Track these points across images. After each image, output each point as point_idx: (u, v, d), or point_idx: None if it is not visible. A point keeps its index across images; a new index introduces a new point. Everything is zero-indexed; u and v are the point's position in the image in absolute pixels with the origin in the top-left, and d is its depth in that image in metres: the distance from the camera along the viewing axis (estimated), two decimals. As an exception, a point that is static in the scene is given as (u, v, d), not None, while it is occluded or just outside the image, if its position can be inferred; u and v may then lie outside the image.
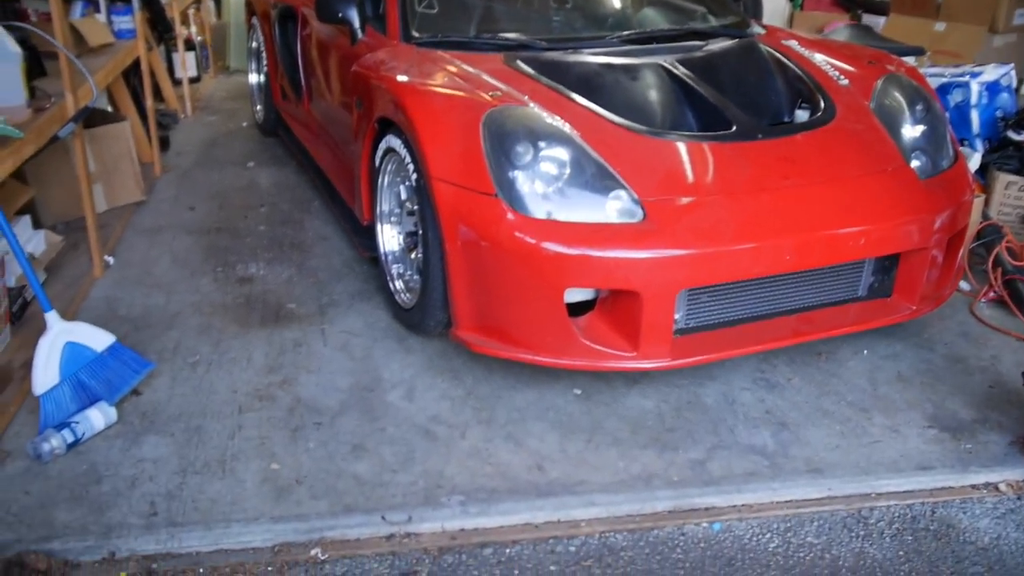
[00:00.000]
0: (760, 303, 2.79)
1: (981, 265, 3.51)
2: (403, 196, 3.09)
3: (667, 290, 2.54)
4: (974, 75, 4.06)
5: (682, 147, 2.80)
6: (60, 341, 2.56)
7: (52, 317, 2.60)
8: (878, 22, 6.30)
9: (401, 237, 3.18)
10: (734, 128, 2.89)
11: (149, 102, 4.81)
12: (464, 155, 2.67)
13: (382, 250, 3.25)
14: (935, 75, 4.15)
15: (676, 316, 2.65)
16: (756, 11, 4.13)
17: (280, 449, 2.46)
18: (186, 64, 6.22)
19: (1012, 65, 4.29)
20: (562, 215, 2.56)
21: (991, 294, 3.39)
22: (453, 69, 3.07)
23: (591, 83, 3.05)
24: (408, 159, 2.88)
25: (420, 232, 2.86)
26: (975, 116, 4.02)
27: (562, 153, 2.62)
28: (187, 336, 3.04)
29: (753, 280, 2.70)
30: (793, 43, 3.56)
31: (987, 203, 3.70)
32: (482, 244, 2.60)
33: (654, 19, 3.80)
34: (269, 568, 2.09)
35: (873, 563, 2.17)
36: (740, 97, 3.11)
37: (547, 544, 2.19)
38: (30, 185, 3.75)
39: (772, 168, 2.79)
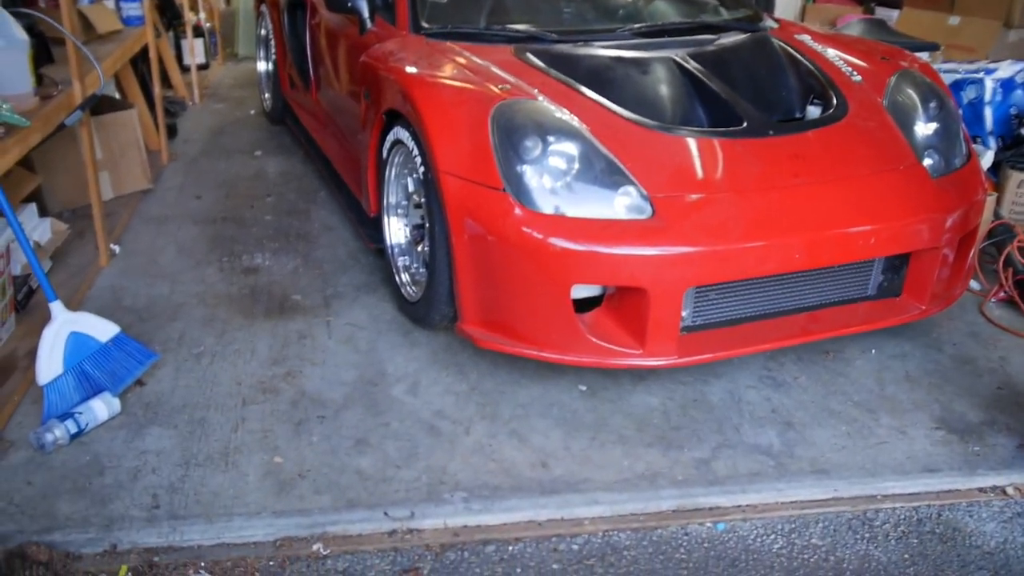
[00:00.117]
0: (768, 301, 2.77)
1: (991, 264, 3.48)
2: (410, 188, 3.07)
3: (675, 288, 2.52)
4: (988, 71, 4.02)
5: (692, 143, 2.77)
6: (64, 331, 2.56)
7: (57, 307, 2.59)
8: (891, 15, 6.25)
9: (408, 230, 3.17)
10: (745, 124, 2.86)
11: (157, 89, 4.80)
12: (472, 149, 2.65)
13: (388, 242, 3.24)
14: (949, 71, 4.11)
15: (683, 313, 2.63)
16: (768, 4, 4.09)
17: (283, 442, 2.46)
18: (194, 51, 6.21)
19: (1027, 61, 4.25)
20: (570, 210, 2.54)
21: (1001, 294, 3.36)
22: (462, 61, 3.04)
23: (601, 77, 3.02)
24: (416, 152, 2.86)
25: (427, 225, 2.84)
26: (988, 113, 3.98)
27: (571, 148, 2.59)
28: (192, 327, 3.03)
29: (762, 278, 2.68)
30: (806, 38, 3.53)
31: (999, 202, 3.66)
32: (489, 239, 2.58)
33: (665, 12, 3.76)
34: (270, 563, 2.08)
35: (878, 566, 2.15)
36: (751, 92, 3.08)
37: (550, 542, 2.18)
38: (37, 172, 3.74)
39: (783, 165, 2.76)
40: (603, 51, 3.18)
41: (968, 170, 3.03)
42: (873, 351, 2.99)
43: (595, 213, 2.54)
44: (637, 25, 3.46)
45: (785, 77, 3.24)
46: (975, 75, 4.02)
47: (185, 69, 6.18)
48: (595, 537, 2.20)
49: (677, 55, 3.17)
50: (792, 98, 3.19)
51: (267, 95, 5.50)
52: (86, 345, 2.59)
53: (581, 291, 2.60)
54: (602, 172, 2.59)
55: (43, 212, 3.63)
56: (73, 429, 2.41)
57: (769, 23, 3.69)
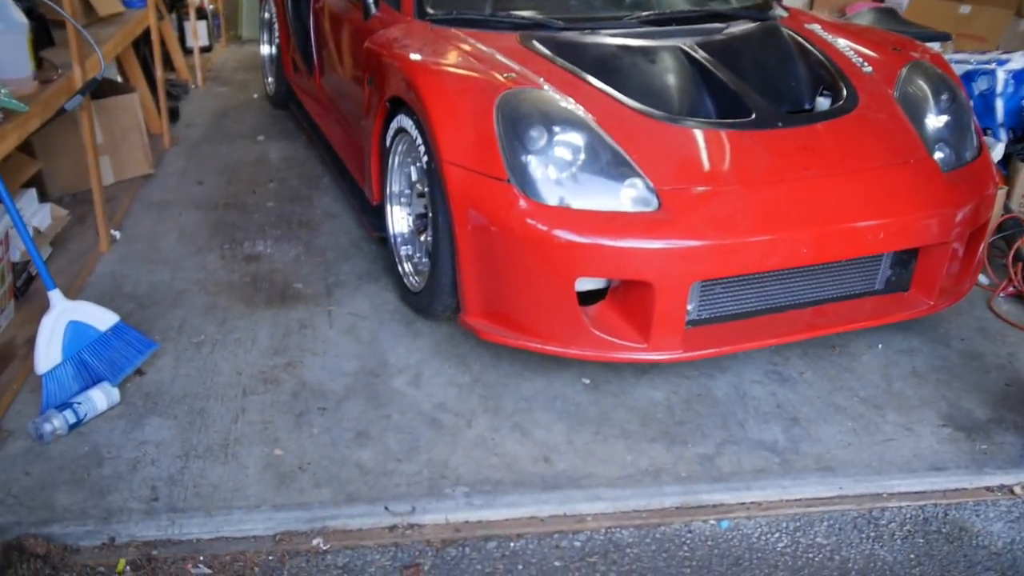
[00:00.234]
0: (775, 295, 2.74)
1: (1001, 259, 3.45)
2: (413, 177, 3.04)
3: (680, 281, 2.49)
4: (1000, 63, 3.97)
5: (699, 134, 2.74)
6: (63, 320, 2.53)
7: (55, 295, 2.57)
8: (901, 3, 6.18)
9: (411, 219, 3.13)
10: (753, 115, 2.82)
11: (159, 73, 4.75)
12: (477, 138, 2.61)
13: (391, 231, 3.21)
14: (960, 62, 4.05)
15: (688, 307, 2.60)
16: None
17: (284, 434, 2.43)
18: (197, 33, 6.15)
19: (1040, 53, 4.19)
20: (575, 202, 2.50)
21: (1010, 289, 3.33)
22: (467, 48, 3.00)
23: (608, 65, 2.98)
24: (419, 140, 2.82)
25: (430, 215, 2.81)
26: (1000, 105, 3.92)
27: (577, 138, 2.56)
28: (192, 315, 3.01)
29: (768, 272, 2.65)
30: (816, 27, 3.48)
31: (1009, 195, 3.62)
32: (492, 230, 2.55)
33: (673, 0, 3.71)
34: (270, 557, 2.06)
35: (883, 566, 2.13)
36: (760, 83, 3.04)
37: (552, 539, 2.16)
38: (37, 156, 3.71)
39: (791, 158, 2.73)
40: (610, 39, 3.14)
41: (979, 164, 2.99)
42: (880, 346, 2.96)
43: (600, 205, 2.51)
44: (645, 13, 3.41)
45: (794, 67, 3.19)
46: (987, 66, 3.97)
47: (188, 51, 6.12)
48: (597, 534, 2.18)
49: (685, 44, 3.13)
50: (801, 89, 3.15)
51: (270, 79, 5.45)
52: (85, 334, 2.57)
53: (585, 284, 2.57)
54: (608, 163, 2.55)
55: (43, 197, 3.60)
56: (72, 419, 2.39)
57: (779, 12, 3.64)
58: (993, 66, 3.96)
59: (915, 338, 3.02)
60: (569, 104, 2.65)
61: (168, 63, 5.71)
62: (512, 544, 2.14)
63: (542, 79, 2.79)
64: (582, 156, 2.54)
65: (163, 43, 5.19)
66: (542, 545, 2.14)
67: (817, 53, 3.23)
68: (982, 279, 3.37)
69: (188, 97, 5.60)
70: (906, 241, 2.73)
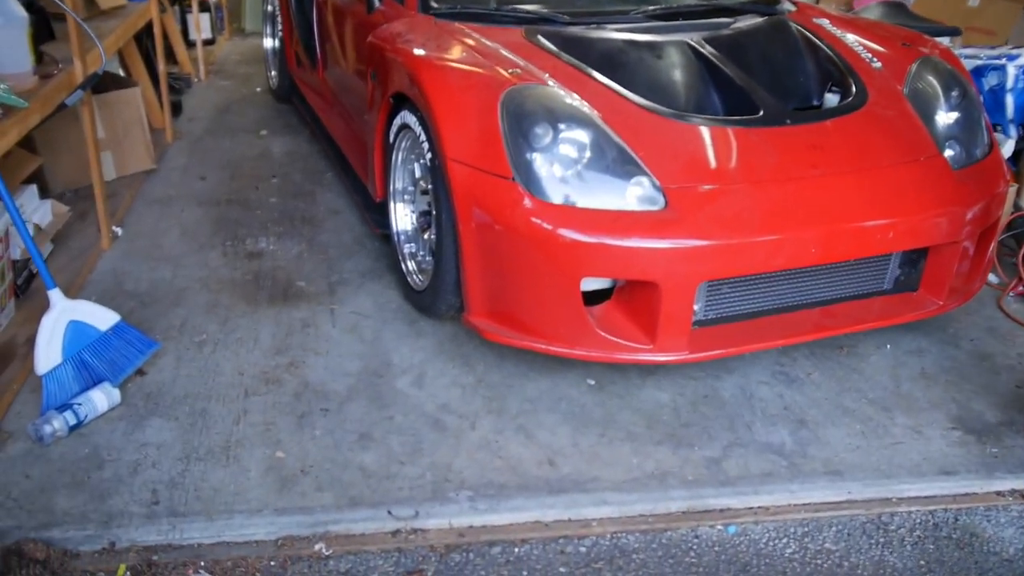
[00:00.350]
0: (782, 295, 2.71)
1: (1010, 257, 3.41)
2: (417, 174, 3.01)
3: (687, 281, 2.46)
4: (1011, 57, 3.91)
5: (706, 132, 2.70)
6: (63, 319, 2.51)
7: (55, 295, 2.54)
8: (909, -4, 6.12)
9: (414, 216, 3.10)
10: (761, 112, 2.79)
11: (161, 66, 4.72)
12: (481, 135, 2.58)
13: (394, 229, 3.18)
14: (970, 57, 4.00)
15: (695, 307, 2.57)
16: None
17: (286, 436, 2.41)
18: (200, 26, 6.11)
19: (1051, 48, 4.13)
20: (580, 200, 2.47)
21: (1020, 288, 3.29)
22: (472, 43, 2.96)
23: (614, 61, 2.94)
24: (423, 137, 2.79)
25: (434, 212, 2.78)
26: (1010, 101, 3.87)
27: (582, 136, 2.52)
28: (194, 314, 2.98)
29: (776, 272, 2.62)
30: (824, 22, 3.44)
31: (1019, 193, 3.57)
32: (497, 228, 2.52)
33: (680, -7, 3.67)
34: (272, 563, 2.04)
35: (893, 572, 2.10)
36: (768, 79, 3.00)
37: (557, 544, 2.13)
38: (38, 151, 3.68)
39: (800, 156, 2.69)
40: (616, 34, 3.10)
41: (990, 161, 2.95)
42: (888, 347, 2.93)
43: (606, 203, 2.47)
44: (651, 8, 3.37)
45: (803, 63, 3.15)
46: (997, 61, 3.92)
47: (191, 44, 6.08)
48: (603, 539, 2.15)
49: (692, 39, 3.09)
50: (810, 85, 3.11)
51: (273, 72, 5.41)
52: (85, 334, 2.54)
53: (590, 283, 2.54)
54: (614, 161, 2.52)
55: (44, 193, 3.57)
56: (72, 421, 2.36)
57: (786, 6, 3.59)
58: (1003, 61, 3.91)
59: (924, 338, 2.98)
60: (575, 101, 2.62)
61: (171, 56, 5.68)
62: (516, 549, 2.11)
63: (547, 75, 2.75)
64: (588, 154, 2.51)
65: (166, 36, 5.16)
66: (547, 551, 2.12)
67: (826, 48, 3.19)
68: (992, 278, 3.33)
69: (191, 91, 5.57)
70: (916, 240, 2.69)
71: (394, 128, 3.06)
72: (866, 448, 2.46)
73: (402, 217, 3.17)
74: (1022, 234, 3.40)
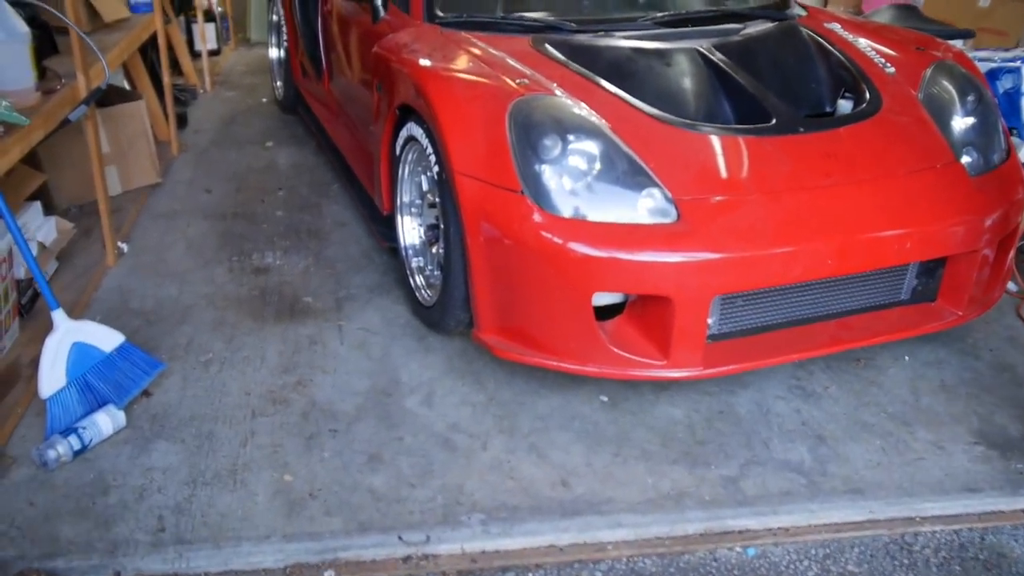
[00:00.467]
0: (797, 308, 2.66)
1: (1030, 264, 3.35)
2: (424, 187, 2.96)
3: (701, 296, 2.41)
4: (1026, 60, 3.86)
5: (718, 141, 2.65)
6: (67, 341, 2.47)
7: (59, 316, 2.50)
8: (919, -2, 6.06)
9: (422, 230, 3.06)
10: (773, 120, 2.74)
11: (166, 78, 4.69)
12: (489, 148, 2.53)
13: (402, 243, 3.13)
14: (984, 59, 3.94)
15: (709, 321, 2.51)
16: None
17: (293, 458, 2.36)
18: (206, 36, 6.09)
19: (1066, 48, 4.08)
20: (591, 213, 2.42)
21: (1040, 295, 3.23)
22: (478, 52, 2.92)
23: (623, 69, 2.89)
24: (430, 150, 2.74)
25: (442, 226, 2.73)
26: (1026, 104, 3.82)
27: (592, 147, 2.47)
28: (200, 332, 2.94)
29: (791, 284, 2.56)
30: (836, 26, 3.38)
31: (1037, 197, 3.51)
32: (506, 243, 2.47)
33: (688, 0, 3.62)
34: (280, 591, 2.00)
35: (917, 595, 2.05)
36: (780, 86, 2.95)
37: (572, 568, 2.08)
38: (42, 165, 3.65)
39: (813, 165, 2.64)
40: (624, 42, 3.05)
41: (1008, 167, 2.89)
42: (907, 358, 2.87)
43: (617, 216, 2.42)
44: (660, 14, 3.32)
45: (815, 69, 3.10)
46: (1012, 64, 3.86)
47: (196, 55, 6.06)
48: (619, 563, 2.10)
49: (702, 46, 3.04)
50: (822, 92, 3.06)
51: (279, 83, 5.38)
52: (90, 356, 2.50)
53: (602, 298, 2.49)
54: (624, 173, 2.47)
55: (49, 209, 3.53)
56: (76, 445, 2.32)
57: (797, 10, 3.54)
58: (1018, 64, 3.85)
59: (942, 349, 2.92)
60: (583, 111, 2.57)
61: (176, 67, 5.65)
62: (531, 575, 2.06)
63: (555, 84, 2.71)
64: (597, 165, 2.46)
65: (171, 47, 5.13)
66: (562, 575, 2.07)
67: (838, 54, 3.14)
68: (1010, 286, 3.27)
69: (196, 102, 5.53)
70: (934, 250, 2.64)
71: (400, 140, 3.02)
72: (887, 465, 2.40)
73: (409, 231, 3.12)
74: (1041, 240, 3.33)
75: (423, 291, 3.01)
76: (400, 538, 2.12)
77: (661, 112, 2.70)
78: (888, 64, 3.09)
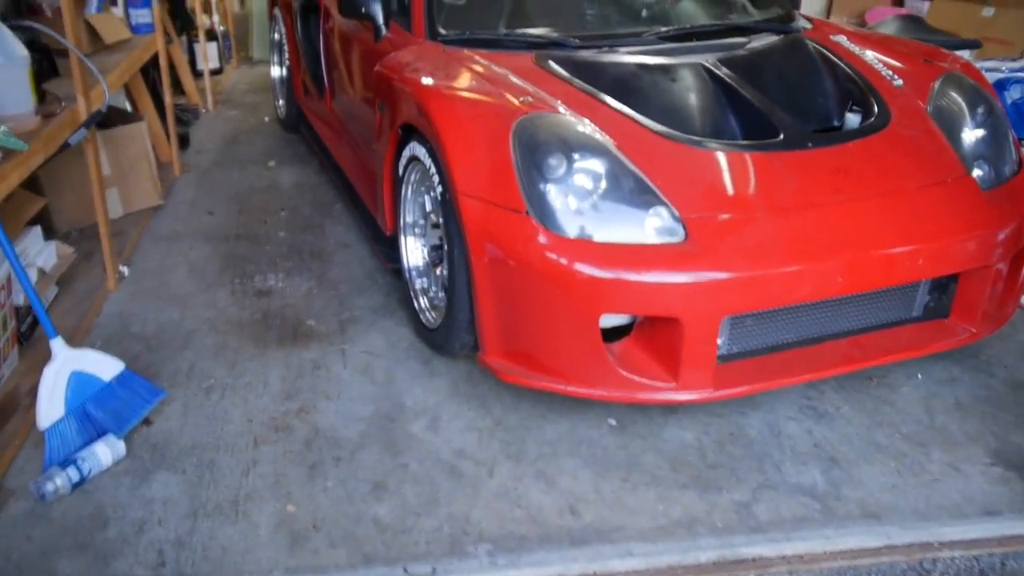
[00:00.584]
0: (808, 327, 2.61)
1: (1043, 277, 3.28)
2: (428, 208, 2.92)
3: (710, 316, 2.36)
4: (1034, 69, 3.82)
5: (725, 158, 2.61)
6: (66, 370, 2.43)
7: (57, 344, 2.46)
8: (922, 7, 6.03)
9: (426, 251, 3.02)
10: (781, 136, 2.70)
11: (168, 98, 4.67)
12: (492, 168, 2.50)
13: (405, 264, 3.09)
14: (991, 70, 3.91)
15: (719, 342, 2.47)
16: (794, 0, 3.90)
17: (296, 488, 2.32)
18: (207, 56, 6.08)
19: (1073, 57, 4.04)
20: (597, 233, 2.38)
21: (1054, 309, 3.17)
22: (480, 70, 2.89)
23: (627, 86, 2.86)
24: (433, 170, 2.71)
25: (445, 247, 2.69)
26: (1035, 114, 3.78)
27: (597, 165, 2.43)
28: (202, 357, 2.90)
29: (801, 303, 2.51)
30: (842, 39, 3.35)
31: (1049, 209, 3.46)
32: (511, 264, 2.43)
33: (693, 13, 3.59)
34: (283, 627, 1.95)
35: (937, 623, 1.99)
36: (786, 100, 2.91)
37: (581, 600, 2.03)
38: (43, 188, 3.62)
39: (823, 181, 2.59)
40: (628, 58, 3.02)
41: (1020, 180, 2.84)
42: (919, 376, 2.81)
43: (624, 236, 2.38)
44: (664, 29, 3.29)
45: (822, 82, 3.06)
46: (1019, 74, 3.82)
47: (198, 74, 6.05)
48: (630, 593, 2.05)
49: (707, 61, 3.01)
50: (830, 105, 3.01)
51: (281, 102, 5.36)
52: (89, 385, 2.46)
53: (609, 319, 2.45)
54: (631, 192, 2.43)
55: (50, 232, 3.51)
56: (75, 477, 2.28)
57: (802, 23, 3.50)
58: (1027, 73, 3.81)
59: (955, 366, 2.87)
60: (588, 128, 2.53)
61: (178, 87, 5.64)
62: (539, 607, 2.01)
63: (559, 101, 2.67)
64: (603, 184, 2.42)
65: (172, 67, 5.11)
66: (571, 607, 2.02)
67: (844, 67, 3.10)
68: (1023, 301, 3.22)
69: (198, 122, 5.52)
70: (946, 267, 2.59)
71: (403, 160, 2.98)
72: (903, 487, 2.35)
73: (413, 252, 3.08)
74: (1054, 253, 3.27)
75: (427, 313, 2.97)
76: (406, 570, 2.07)
77: (667, 129, 2.66)
78: (896, 76, 3.05)
